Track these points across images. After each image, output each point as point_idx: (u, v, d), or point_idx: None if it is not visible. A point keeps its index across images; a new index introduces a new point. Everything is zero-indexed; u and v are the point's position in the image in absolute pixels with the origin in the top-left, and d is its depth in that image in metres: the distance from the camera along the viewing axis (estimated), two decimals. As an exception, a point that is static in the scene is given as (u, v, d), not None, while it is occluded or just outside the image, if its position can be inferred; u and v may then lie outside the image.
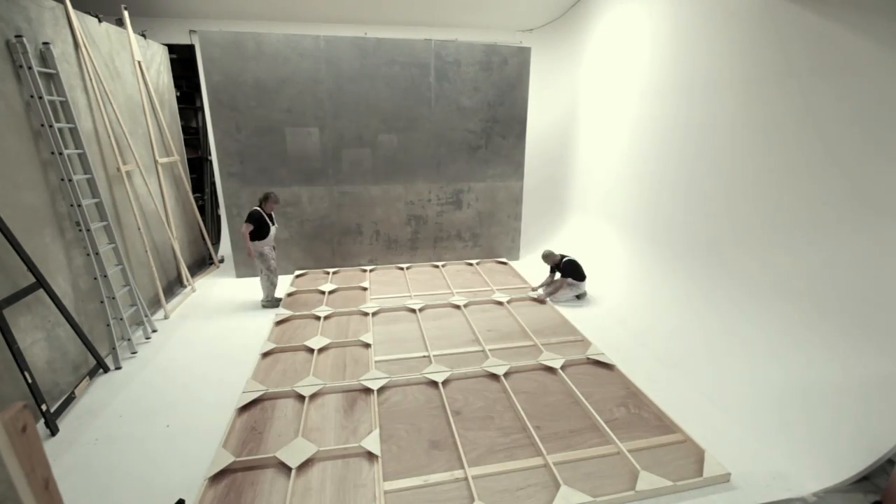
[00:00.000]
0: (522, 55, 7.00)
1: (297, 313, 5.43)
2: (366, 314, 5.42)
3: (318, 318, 5.32)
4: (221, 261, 7.74)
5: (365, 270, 7.04)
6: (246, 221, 5.52)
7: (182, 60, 7.84)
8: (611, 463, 3.09)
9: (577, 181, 8.35)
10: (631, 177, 6.52)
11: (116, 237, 4.65)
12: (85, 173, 4.40)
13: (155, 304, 5.61)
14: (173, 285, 6.28)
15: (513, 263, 7.49)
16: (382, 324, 5.19)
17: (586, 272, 5.98)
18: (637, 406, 3.69)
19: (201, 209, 8.33)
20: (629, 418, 3.54)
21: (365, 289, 6.26)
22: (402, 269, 7.19)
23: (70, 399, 3.76)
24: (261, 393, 3.82)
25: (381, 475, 2.97)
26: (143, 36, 6.21)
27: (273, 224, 5.74)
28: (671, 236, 5.62)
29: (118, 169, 5.07)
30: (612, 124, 7.08)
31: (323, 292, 6.10)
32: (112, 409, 3.77)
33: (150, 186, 5.71)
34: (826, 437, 3.13)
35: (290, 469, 2.99)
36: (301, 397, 3.79)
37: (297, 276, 6.85)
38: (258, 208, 5.59)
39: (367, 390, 3.90)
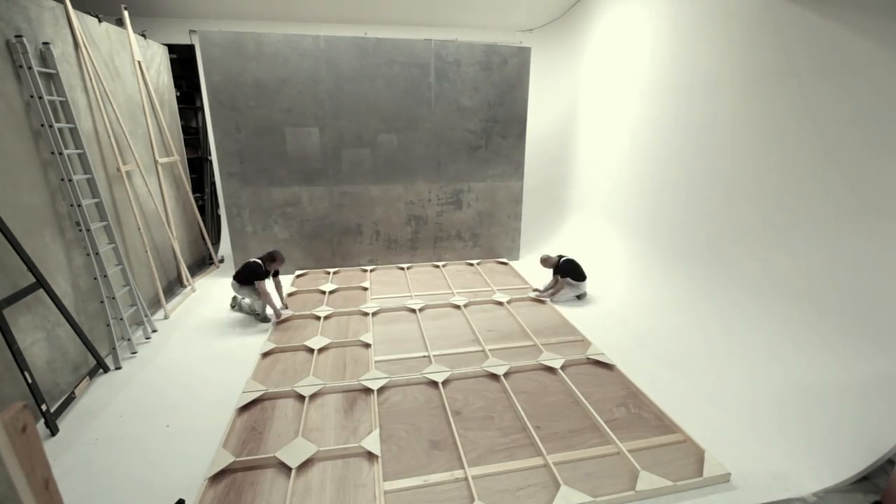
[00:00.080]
0: (522, 55, 7.00)
1: (297, 313, 5.43)
2: (366, 314, 5.42)
3: (318, 318, 5.32)
4: (221, 261, 7.74)
5: (365, 270, 7.05)
6: (258, 279, 5.13)
7: (182, 60, 7.84)
8: (611, 463, 3.09)
9: (577, 181, 8.35)
10: (631, 177, 6.52)
11: (116, 237, 4.65)
12: (85, 173, 4.40)
13: (155, 304, 5.61)
14: (173, 285, 6.28)
15: (513, 263, 7.49)
16: (382, 324, 5.19)
17: (586, 272, 5.97)
18: (637, 406, 3.69)
19: (201, 209, 8.33)
20: (629, 418, 3.54)
21: (365, 289, 6.26)
22: (402, 269, 7.19)
23: (70, 399, 3.76)
24: (261, 393, 3.82)
25: (381, 475, 2.97)
26: (143, 36, 6.22)
27: (272, 280, 5.45)
28: (671, 236, 5.62)
29: (118, 169, 5.08)
30: (612, 124, 7.08)
31: (323, 292, 6.10)
32: (112, 409, 3.77)
33: (150, 186, 5.72)
34: (826, 437, 3.13)
35: (290, 469, 2.99)
36: (301, 397, 3.79)
37: (298, 276, 6.86)
38: (260, 263, 5.23)
39: (367, 390, 3.90)
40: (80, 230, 4.23)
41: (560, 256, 6.06)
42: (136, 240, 5.34)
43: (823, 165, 3.71)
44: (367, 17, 7.92)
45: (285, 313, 5.37)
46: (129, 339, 4.63)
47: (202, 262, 7.40)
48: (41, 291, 3.68)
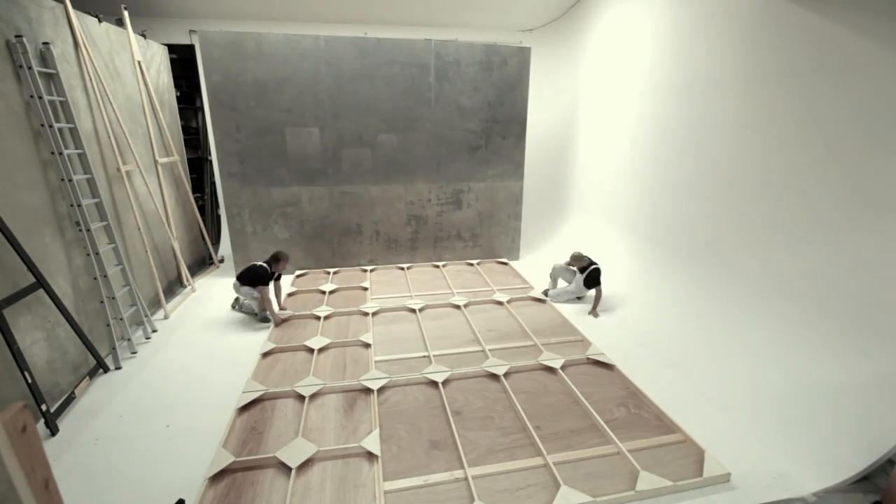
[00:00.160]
0: (522, 55, 7.00)
1: (297, 313, 5.43)
2: (366, 314, 5.42)
3: (318, 318, 5.32)
4: (221, 261, 7.74)
5: (365, 270, 7.05)
6: (260, 284, 5.12)
7: (182, 60, 7.84)
8: (611, 463, 3.09)
9: (578, 181, 8.35)
10: (631, 177, 6.52)
11: (116, 237, 4.65)
12: (85, 173, 4.40)
13: (155, 304, 5.61)
14: (173, 285, 6.28)
15: (513, 263, 7.49)
16: (382, 324, 5.19)
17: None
18: (637, 406, 3.69)
19: (201, 209, 8.33)
20: (629, 418, 3.54)
21: (365, 289, 6.26)
22: (402, 269, 7.19)
23: (70, 399, 3.76)
24: (261, 393, 3.82)
25: (381, 475, 2.97)
26: (143, 36, 6.22)
27: (275, 281, 5.50)
28: (671, 236, 5.62)
29: (118, 169, 5.08)
30: (612, 124, 7.08)
31: (323, 292, 6.10)
32: (112, 409, 3.78)
33: (150, 186, 5.72)
34: (826, 437, 3.13)
35: (290, 469, 2.99)
36: (301, 397, 3.79)
37: (298, 276, 6.86)
38: (266, 266, 5.23)
39: (367, 390, 3.90)
40: (80, 230, 4.23)
41: (591, 262, 5.67)
42: (136, 240, 5.34)
43: (824, 165, 3.71)
44: (367, 17, 7.92)
45: (283, 314, 5.37)
46: (129, 339, 4.63)
47: (202, 262, 7.40)
48: (41, 291, 3.68)
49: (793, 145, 3.97)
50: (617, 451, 3.17)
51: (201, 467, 3.06)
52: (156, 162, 6.06)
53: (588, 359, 4.37)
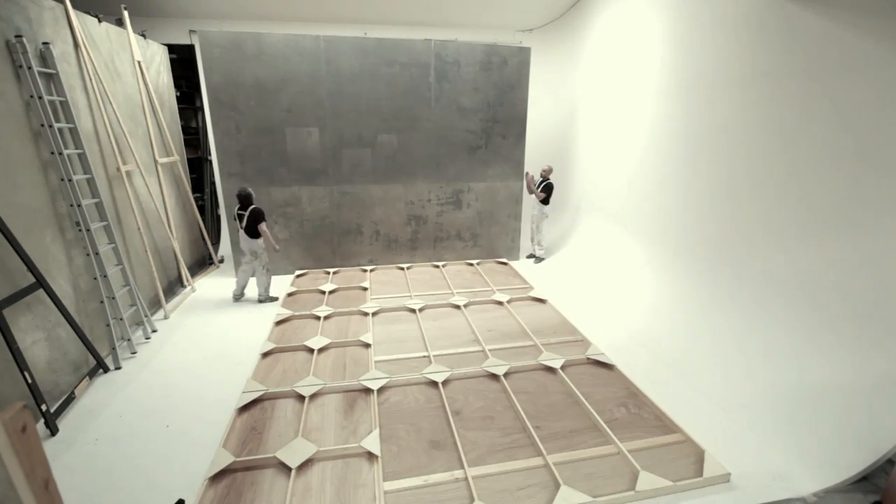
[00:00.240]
0: (522, 55, 7.00)
1: (297, 313, 5.43)
2: (366, 314, 5.42)
3: (318, 318, 5.32)
4: (221, 261, 7.74)
5: (365, 270, 7.04)
6: (264, 221, 5.65)
7: (182, 60, 7.84)
8: (611, 463, 3.09)
9: (577, 181, 8.35)
10: (631, 176, 6.52)
11: (116, 237, 4.65)
12: (85, 173, 4.40)
13: (155, 305, 5.61)
14: (173, 285, 6.28)
15: (513, 263, 7.48)
16: (382, 324, 5.19)
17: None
18: (637, 406, 3.69)
19: (201, 209, 8.33)
20: (629, 418, 3.54)
21: (365, 289, 6.26)
22: (402, 269, 7.19)
23: (70, 399, 3.76)
24: (261, 393, 3.82)
25: (381, 475, 2.97)
26: (143, 36, 6.22)
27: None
28: (671, 236, 5.62)
29: (118, 169, 5.08)
30: (611, 124, 7.08)
31: (323, 292, 6.10)
32: (112, 409, 3.77)
33: (150, 186, 5.71)
34: (826, 437, 3.13)
35: (290, 469, 2.99)
36: (301, 397, 3.79)
37: (298, 276, 6.85)
38: (257, 206, 5.70)
39: (367, 390, 3.90)
40: (80, 230, 4.23)
41: (547, 179, 7.36)
42: (136, 240, 5.34)
43: (825, 166, 3.69)
44: (367, 17, 7.92)
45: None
46: (129, 339, 4.63)
47: (202, 262, 7.40)
48: (41, 291, 3.68)
49: (793, 145, 3.96)
50: (617, 451, 3.17)
51: (201, 467, 3.06)
52: (156, 162, 6.06)
53: (588, 359, 4.37)
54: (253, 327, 5.24)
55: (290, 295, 6.06)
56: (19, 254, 3.48)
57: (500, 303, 5.74)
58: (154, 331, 5.11)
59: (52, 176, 4.05)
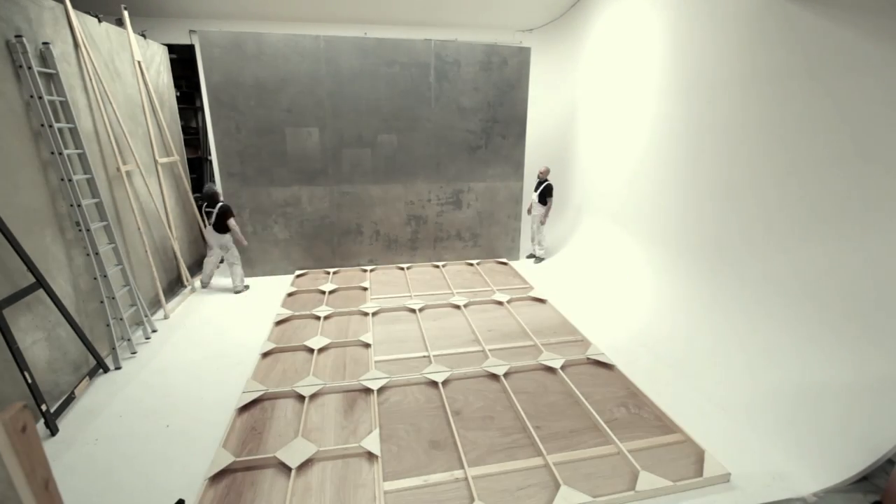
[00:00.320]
0: (522, 55, 7.00)
1: (297, 313, 5.43)
2: (366, 314, 5.42)
3: (318, 318, 5.32)
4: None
5: (365, 270, 7.04)
6: (233, 216, 6.13)
7: (182, 60, 7.85)
8: (611, 463, 3.09)
9: (577, 181, 8.35)
10: (631, 176, 6.52)
11: (116, 237, 4.65)
12: (85, 173, 4.40)
13: (155, 304, 5.61)
14: (173, 285, 6.28)
15: (513, 263, 7.49)
16: (382, 324, 5.19)
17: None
18: (637, 406, 3.69)
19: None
20: (629, 418, 3.54)
21: (365, 289, 6.26)
22: (402, 269, 7.19)
23: (70, 399, 3.76)
24: (261, 393, 3.82)
25: (381, 475, 2.97)
26: (143, 36, 6.22)
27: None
28: (671, 236, 5.62)
29: (118, 169, 5.07)
30: (611, 124, 7.08)
31: (323, 292, 6.10)
32: (112, 409, 3.78)
33: (150, 186, 5.72)
34: (826, 437, 3.13)
35: (290, 469, 2.99)
36: (301, 397, 3.79)
37: (298, 276, 6.86)
38: (224, 202, 6.18)
39: (367, 390, 3.90)
40: (80, 230, 4.23)
41: (545, 180, 7.39)
42: (136, 240, 5.34)
43: (826, 167, 3.69)
44: (367, 17, 7.92)
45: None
46: (129, 339, 4.63)
47: (202, 262, 7.39)
48: (41, 291, 3.68)
49: (793, 146, 3.96)
50: (617, 451, 3.17)
51: (201, 467, 3.06)
52: (156, 162, 6.06)
53: (588, 359, 4.37)
54: (253, 327, 5.24)
55: (290, 295, 6.06)
56: (19, 254, 3.48)
57: (500, 303, 5.74)
58: (154, 331, 5.11)
59: (52, 176, 4.05)
